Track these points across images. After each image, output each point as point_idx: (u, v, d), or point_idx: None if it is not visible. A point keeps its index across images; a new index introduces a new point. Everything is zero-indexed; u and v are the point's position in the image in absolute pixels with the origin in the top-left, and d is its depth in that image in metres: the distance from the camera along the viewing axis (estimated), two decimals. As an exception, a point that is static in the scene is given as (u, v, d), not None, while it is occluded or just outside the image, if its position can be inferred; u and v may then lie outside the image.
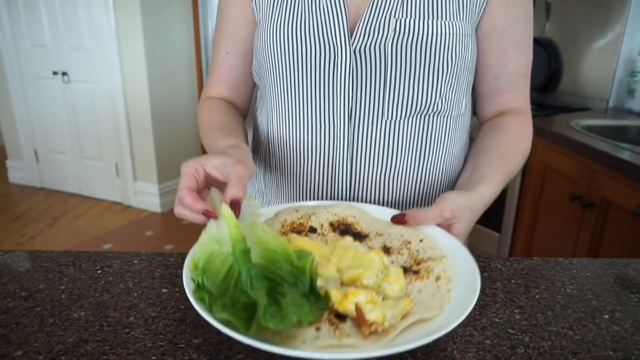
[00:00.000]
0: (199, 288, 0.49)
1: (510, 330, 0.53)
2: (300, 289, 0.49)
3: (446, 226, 0.64)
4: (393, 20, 0.69)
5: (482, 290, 0.60)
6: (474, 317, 0.55)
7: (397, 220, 0.65)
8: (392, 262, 0.59)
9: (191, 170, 0.59)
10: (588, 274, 0.66)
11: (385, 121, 0.73)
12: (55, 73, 3.33)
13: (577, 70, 2.27)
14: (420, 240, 0.62)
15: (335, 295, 0.49)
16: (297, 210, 0.69)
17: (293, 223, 0.66)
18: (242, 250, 0.50)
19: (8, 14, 3.30)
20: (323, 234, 0.65)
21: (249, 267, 0.48)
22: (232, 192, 0.56)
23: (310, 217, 0.67)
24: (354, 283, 0.53)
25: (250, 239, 0.52)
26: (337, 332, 0.46)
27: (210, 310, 0.46)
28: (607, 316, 0.56)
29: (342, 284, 0.53)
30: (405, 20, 0.69)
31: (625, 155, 1.44)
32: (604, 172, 1.50)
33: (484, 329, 0.53)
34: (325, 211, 0.68)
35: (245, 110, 0.92)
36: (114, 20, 3.06)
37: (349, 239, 0.61)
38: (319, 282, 0.52)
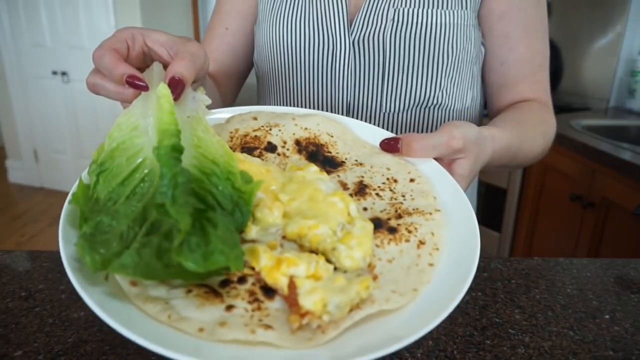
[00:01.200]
0: (85, 196, 0.36)
1: (510, 331, 0.52)
2: (239, 222, 0.36)
3: (447, 163, 0.50)
4: (391, 10, 0.68)
5: (482, 290, 0.60)
6: (474, 317, 0.55)
7: (387, 146, 0.50)
8: (365, 210, 0.44)
9: (126, 34, 0.45)
10: (588, 274, 0.66)
11: (384, 114, 0.72)
12: (54, 73, 3.33)
13: (577, 70, 2.27)
14: (411, 180, 0.47)
15: (265, 259, 0.35)
16: (255, 118, 0.52)
17: (246, 136, 0.49)
18: (172, 146, 0.35)
19: (8, 14, 3.30)
20: (284, 154, 0.49)
21: (176, 173, 0.33)
22: (177, 67, 0.42)
23: (271, 129, 0.50)
24: (300, 239, 0.39)
25: (186, 138, 0.38)
26: (256, 315, 0.32)
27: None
28: (607, 316, 0.56)
29: (285, 237, 0.39)
30: (403, 9, 0.67)
31: (626, 155, 1.44)
32: (604, 172, 1.50)
33: (484, 329, 0.53)
34: (294, 123, 0.51)
35: (226, 99, 0.80)
36: (113, 21, 3.05)
37: (313, 169, 0.45)
38: (254, 232, 0.39)
